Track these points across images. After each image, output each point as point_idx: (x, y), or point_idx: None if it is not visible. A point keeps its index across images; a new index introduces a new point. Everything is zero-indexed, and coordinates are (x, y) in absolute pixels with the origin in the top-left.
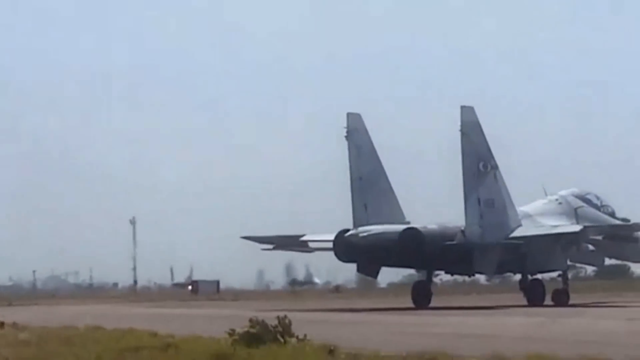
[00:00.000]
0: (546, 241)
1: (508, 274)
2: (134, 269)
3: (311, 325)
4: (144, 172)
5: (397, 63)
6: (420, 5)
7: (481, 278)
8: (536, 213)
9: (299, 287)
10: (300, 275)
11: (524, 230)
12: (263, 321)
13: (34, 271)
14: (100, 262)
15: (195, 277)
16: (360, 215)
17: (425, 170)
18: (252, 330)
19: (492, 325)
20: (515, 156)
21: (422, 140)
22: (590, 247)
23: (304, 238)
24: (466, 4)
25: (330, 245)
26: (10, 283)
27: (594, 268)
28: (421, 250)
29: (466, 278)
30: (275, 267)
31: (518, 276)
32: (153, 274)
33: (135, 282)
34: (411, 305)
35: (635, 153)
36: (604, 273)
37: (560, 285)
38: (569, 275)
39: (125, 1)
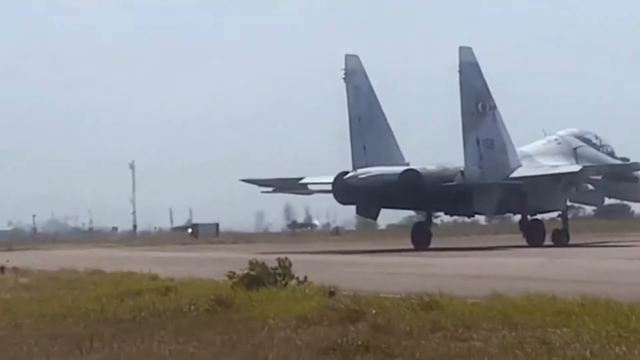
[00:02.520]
0: (546, 181)
1: (508, 214)
2: (134, 213)
3: (311, 267)
4: (143, 116)
5: (395, 4)
6: None
7: (481, 219)
8: (535, 153)
9: (298, 230)
10: (300, 218)
11: (524, 170)
12: (263, 263)
13: (33, 216)
14: (99, 206)
15: (194, 221)
16: (359, 157)
17: (424, 112)
18: (252, 272)
19: (491, 266)
20: (514, 96)
21: (421, 82)
22: (590, 186)
23: (304, 180)
24: None
25: (330, 187)
26: (10, 227)
27: (593, 208)
28: (420, 192)
29: (466, 219)
30: (275, 209)
31: (518, 217)
32: (153, 217)
33: (135, 226)
34: (411, 246)
35: (635, 93)
36: (604, 213)
37: (560, 226)
38: (569, 215)
39: None
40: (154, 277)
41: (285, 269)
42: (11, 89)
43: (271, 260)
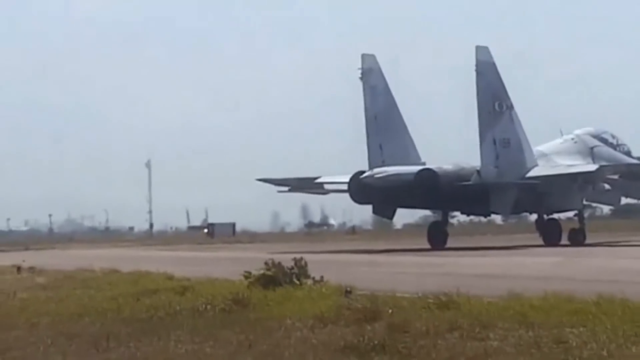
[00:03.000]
0: (562, 181)
1: (524, 214)
2: (150, 212)
3: (327, 266)
4: (159, 115)
5: (412, 2)
6: None
7: (497, 218)
8: (552, 152)
9: (314, 229)
10: (316, 218)
11: (540, 169)
12: (279, 263)
13: (50, 215)
14: (116, 205)
15: (211, 220)
16: (376, 157)
17: (440, 111)
18: (268, 272)
19: (508, 265)
20: (531, 96)
21: (438, 81)
22: (607, 186)
23: (320, 180)
24: None
25: (346, 187)
26: (26, 227)
27: (610, 207)
28: (437, 191)
29: (482, 218)
30: (291, 209)
31: (534, 216)
32: (169, 217)
33: (151, 225)
34: (427, 246)
35: None
36: (620, 212)
37: (576, 225)
38: (585, 215)
39: None
40: (170, 277)
41: (301, 268)
42: (26, 89)
43: (287, 260)
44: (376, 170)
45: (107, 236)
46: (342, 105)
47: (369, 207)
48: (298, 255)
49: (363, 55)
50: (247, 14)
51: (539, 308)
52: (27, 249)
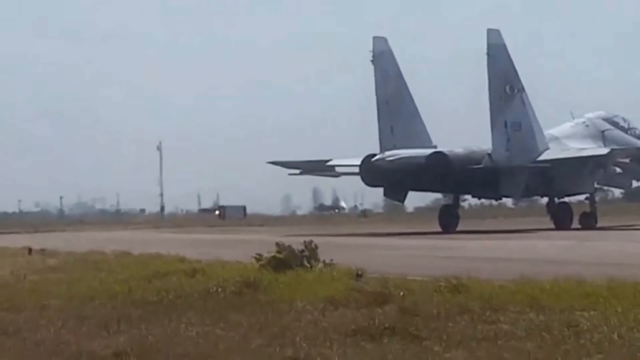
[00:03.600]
0: (573, 164)
1: (535, 197)
2: (161, 195)
3: (338, 249)
4: (171, 98)
5: None
6: None
7: (508, 202)
8: (563, 136)
9: (325, 212)
10: (327, 200)
11: (551, 153)
12: (290, 246)
13: (60, 197)
14: (127, 188)
15: (222, 203)
16: (387, 140)
17: (452, 94)
18: (278, 255)
19: (519, 249)
20: (542, 79)
21: (449, 64)
22: (618, 169)
23: (331, 163)
24: None
25: (357, 169)
26: (37, 209)
27: (621, 191)
28: (448, 174)
29: (493, 202)
30: (302, 192)
31: (545, 199)
32: (180, 199)
33: (162, 208)
34: (438, 229)
35: None
36: (632, 195)
37: (587, 208)
38: (596, 198)
39: None
40: (181, 259)
41: (312, 251)
42: (38, 74)
43: (298, 243)
44: (387, 152)
45: (118, 219)
46: (354, 88)
47: (380, 190)
48: (308, 238)
49: (374, 38)
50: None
51: (549, 291)
52: (36, 231)
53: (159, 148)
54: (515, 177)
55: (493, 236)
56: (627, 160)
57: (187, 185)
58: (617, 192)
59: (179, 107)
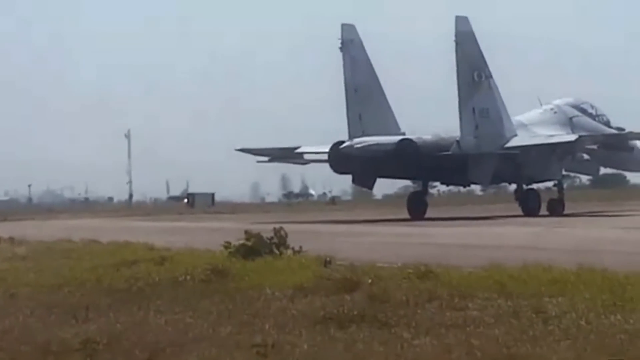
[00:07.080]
0: (542, 151)
1: (503, 184)
2: (130, 182)
3: (307, 237)
4: (139, 85)
5: None
6: None
7: (476, 188)
8: (531, 123)
9: (294, 200)
10: (296, 188)
11: (520, 140)
12: (259, 233)
13: (29, 186)
14: (95, 176)
15: (190, 191)
16: (356, 127)
17: (420, 81)
18: (247, 242)
19: (487, 235)
20: (510, 65)
21: (417, 51)
22: (586, 156)
23: (300, 150)
24: None
25: (326, 156)
26: (6, 198)
27: (589, 177)
28: (416, 161)
29: (461, 188)
30: (271, 179)
31: (513, 186)
32: (149, 187)
33: (131, 196)
34: (407, 216)
35: (632, 61)
36: (599, 182)
37: (555, 195)
38: (564, 185)
39: None
40: (150, 247)
41: (281, 238)
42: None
43: (267, 230)
44: (356, 140)
45: (87, 207)
46: (322, 75)
47: (349, 178)
48: (278, 226)
49: (343, 25)
50: None
51: (517, 278)
52: (5, 219)
53: (127, 136)
54: (483, 163)
55: (461, 223)
56: (594, 147)
57: (156, 172)
58: (585, 179)
59: (147, 94)
